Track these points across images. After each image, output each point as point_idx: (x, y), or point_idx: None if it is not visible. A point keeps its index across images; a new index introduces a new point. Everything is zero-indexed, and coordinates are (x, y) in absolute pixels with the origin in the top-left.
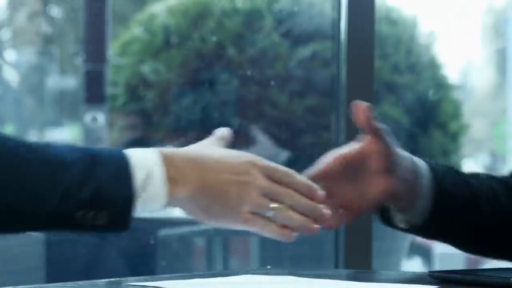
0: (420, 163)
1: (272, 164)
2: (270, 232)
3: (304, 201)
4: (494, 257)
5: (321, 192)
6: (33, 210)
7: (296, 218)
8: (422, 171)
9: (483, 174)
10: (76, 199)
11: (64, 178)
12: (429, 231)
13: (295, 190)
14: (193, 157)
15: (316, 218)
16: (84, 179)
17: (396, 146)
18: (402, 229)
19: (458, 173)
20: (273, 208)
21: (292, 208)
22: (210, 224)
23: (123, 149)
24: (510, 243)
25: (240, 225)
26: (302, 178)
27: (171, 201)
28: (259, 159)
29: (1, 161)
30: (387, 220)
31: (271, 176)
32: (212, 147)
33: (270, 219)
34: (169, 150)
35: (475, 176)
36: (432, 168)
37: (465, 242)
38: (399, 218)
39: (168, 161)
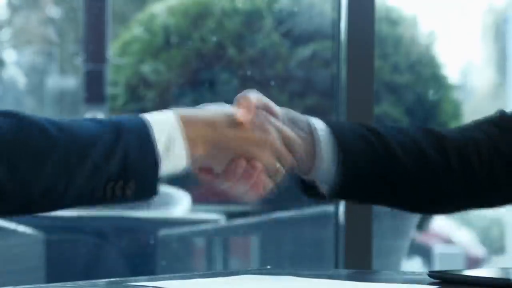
0: (318, 124)
1: (285, 127)
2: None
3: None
4: (429, 212)
5: None
6: (64, 189)
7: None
8: (319, 132)
9: (411, 129)
10: (104, 172)
11: (91, 154)
12: (347, 193)
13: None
14: (209, 116)
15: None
16: (110, 152)
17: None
18: (322, 197)
19: (371, 131)
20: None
21: None
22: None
23: (141, 115)
24: (443, 196)
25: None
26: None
27: (192, 162)
28: (274, 118)
29: (30, 144)
30: (308, 191)
31: (283, 138)
32: (226, 108)
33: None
34: (185, 110)
35: (399, 130)
36: (333, 130)
37: (392, 200)
38: (320, 187)
39: (185, 122)
